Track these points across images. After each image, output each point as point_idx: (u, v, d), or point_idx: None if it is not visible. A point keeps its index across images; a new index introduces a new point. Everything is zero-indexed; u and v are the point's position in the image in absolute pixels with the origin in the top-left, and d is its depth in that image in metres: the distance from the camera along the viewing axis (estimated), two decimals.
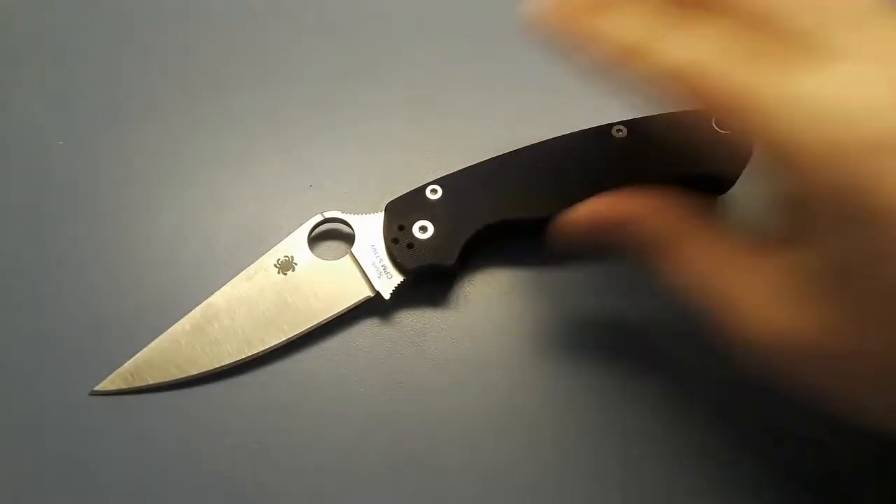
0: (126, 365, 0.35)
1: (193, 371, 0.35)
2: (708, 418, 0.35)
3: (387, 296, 0.36)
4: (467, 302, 0.37)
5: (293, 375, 0.35)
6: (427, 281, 0.37)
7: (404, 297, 0.37)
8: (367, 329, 0.37)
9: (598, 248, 0.31)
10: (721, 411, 0.35)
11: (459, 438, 0.34)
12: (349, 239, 0.38)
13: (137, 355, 0.35)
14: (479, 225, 0.36)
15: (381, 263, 0.36)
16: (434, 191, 0.37)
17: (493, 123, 0.42)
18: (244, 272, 0.36)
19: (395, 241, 0.36)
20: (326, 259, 0.37)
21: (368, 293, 0.36)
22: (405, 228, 0.36)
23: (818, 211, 0.23)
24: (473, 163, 0.38)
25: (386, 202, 0.37)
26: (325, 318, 0.36)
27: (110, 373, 0.35)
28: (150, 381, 0.35)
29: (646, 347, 0.36)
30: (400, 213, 0.36)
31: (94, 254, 0.39)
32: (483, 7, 0.47)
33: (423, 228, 0.36)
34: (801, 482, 0.33)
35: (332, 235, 0.39)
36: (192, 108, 0.43)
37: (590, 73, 0.30)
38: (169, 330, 0.35)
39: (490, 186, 0.37)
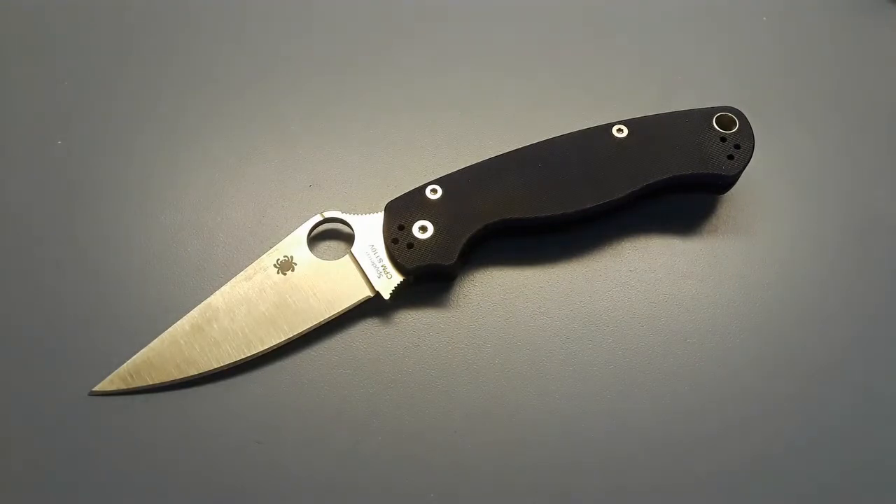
0: (125, 365, 0.35)
1: (193, 371, 0.35)
2: (708, 414, 0.35)
3: (387, 296, 0.36)
4: (467, 302, 0.37)
5: (293, 375, 0.35)
6: (427, 281, 0.37)
7: (404, 297, 0.37)
8: (367, 329, 0.37)
9: None
10: (720, 409, 0.35)
11: (459, 438, 0.34)
12: (349, 239, 0.38)
13: (137, 355, 0.35)
14: (479, 225, 0.36)
15: (381, 263, 0.36)
16: (434, 191, 0.37)
17: (493, 123, 0.43)
18: (244, 272, 0.36)
19: (395, 241, 0.36)
20: (326, 259, 0.37)
21: (368, 293, 0.36)
22: (405, 228, 0.36)
23: None
24: (473, 163, 0.38)
25: (386, 202, 0.37)
26: (325, 318, 0.36)
27: (109, 373, 0.35)
28: (150, 382, 0.35)
29: (647, 347, 0.36)
30: (400, 213, 0.36)
31: (93, 254, 0.38)
32: (482, 7, 0.47)
33: (423, 228, 0.36)
34: None
35: (331, 235, 0.39)
36: (191, 108, 0.43)
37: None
38: (168, 330, 0.35)
39: (490, 186, 0.37)
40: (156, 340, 0.35)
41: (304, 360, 0.36)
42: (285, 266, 0.36)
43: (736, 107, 0.38)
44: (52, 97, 0.44)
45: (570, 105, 0.43)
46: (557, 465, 0.34)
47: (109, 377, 0.35)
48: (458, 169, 0.37)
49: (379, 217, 0.37)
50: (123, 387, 0.35)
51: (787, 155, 0.42)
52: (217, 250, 0.39)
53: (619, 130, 0.38)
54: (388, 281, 0.36)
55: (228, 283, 0.36)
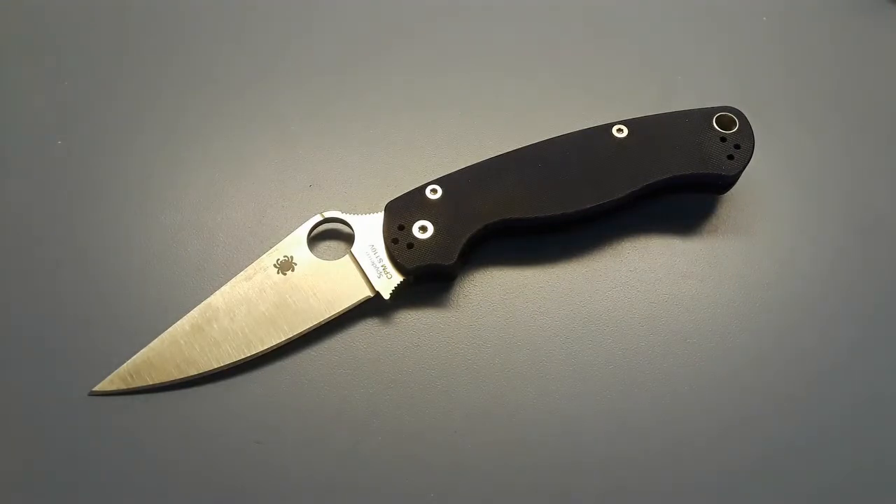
0: (125, 365, 0.35)
1: (193, 371, 0.35)
2: (708, 414, 0.35)
3: (387, 296, 0.36)
4: (467, 302, 0.37)
5: (293, 375, 0.35)
6: (427, 281, 0.37)
7: (404, 297, 0.37)
8: (367, 329, 0.37)
9: None
10: (720, 409, 0.35)
11: (459, 438, 0.34)
12: (349, 239, 0.38)
13: (137, 356, 0.35)
14: (479, 225, 0.36)
15: (381, 263, 0.36)
16: (434, 191, 0.37)
17: (493, 123, 0.43)
18: (244, 272, 0.36)
19: (395, 241, 0.36)
20: (326, 259, 0.37)
21: (368, 293, 0.36)
22: (405, 228, 0.36)
23: None
24: (473, 163, 0.38)
25: (386, 202, 0.37)
26: (325, 318, 0.36)
27: (110, 373, 0.35)
28: (150, 382, 0.35)
29: (647, 347, 0.36)
30: (400, 213, 0.36)
31: (93, 254, 0.38)
32: (482, 7, 0.47)
33: (423, 228, 0.36)
34: None
35: (331, 235, 0.39)
36: (191, 108, 0.43)
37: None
38: (168, 330, 0.35)
39: (490, 186, 0.37)
40: (156, 340, 0.35)
41: (304, 360, 0.36)
42: (285, 266, 0.36)
43: (736, 107, 0.38)
44: (52, 97, 0.44)
45: (570, 105, 0.43)
46: (557, 465, 0.34)
47: (109, 377, 0.35)
48: (458, 169, 0.37)
49: (379, 217, 0.37)
50: (123, 387, 0.35)
51: (787, 155, 0.42)
52: (217, 250, 0.39)
53: (619, 130, 0.38)
54: (388, 281, 0.36)
55: (228, 283, 0.36)
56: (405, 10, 0.47)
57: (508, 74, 0.45)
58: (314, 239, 0.38)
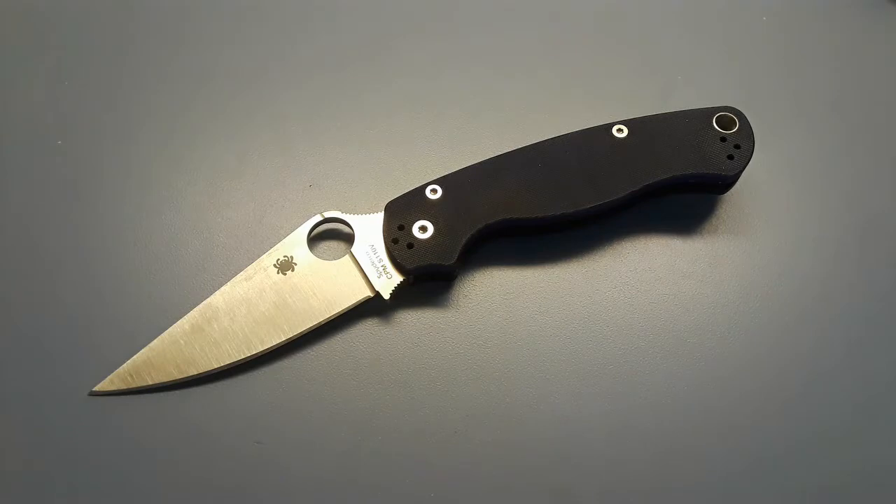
0: (125, 365, 0.35)
1: (193, 371, 0.35)
2: (708, 414, 0.35)
3: (387, 296, 0.36)
4: (467, 302, 0.37)
5: (293, 375, 0.35)
6: (427, 281, 0.37)
7: (404, 297, 0.37)
8: (367, 329, 0.37)
9: None
10: (720, 409, 0.35)
11: (459, 438, 0.34)
12: (349, 239, 0.38)
13: (137, 356, 0.35)
14: (479, 225, 0.36)
15: (381, 263, 0.36)
16: (434, 191, 0.37)
17: (493, 123, 0.43)
18: (244, 272, 0.36)
19: (395, 241, 0.36)
20: (326, 259, 0.37)
21: (368, 293, 0.36)
22: (405, 228, 0.36)
23: None
24: (473, 163, 0.38)
25: (386, 202, 0.37)
26: (325, 318, 0.36)
27: (110, 373, 0.35)
28: (150, 382, 0.35)
29: (647, 347, 0.36)
30: (400, 213, 0.36)
31: (93, 254, 0.38)
32: (483, 7, 0.47)
33: (423, 228, 0.36)
34: None
35: (331, 235, 0.39)
36: (191, 108, 0.43)
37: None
38: (168, 330, 0.35)
39: (490, 186, 0.37)
40: (156, 340, 0.35)
41: (304, 360, 0.36)
42: (285, 266, 0.36)
43: (736, 107, 0.38)
44: (52, 97, 0.44)
45: (570, 105, 0.43)
46: (557, 465, 0.34)
47: (109, 377, 0.35)
48: (458, 169, 0.37)
49: (379, 217, 0.37)
50: (123, 387, 0.35)
51: (787, 155, 0.42)
52: (217, 250, 0.39)
53: (619, 130, 0.38)
54: (388, 281, 0.36)
55: (228, 283, 0.36)
56: (405, 10, 0.47)
57: (508, 74, 0.45)
58: (314, 239, 0.38)
